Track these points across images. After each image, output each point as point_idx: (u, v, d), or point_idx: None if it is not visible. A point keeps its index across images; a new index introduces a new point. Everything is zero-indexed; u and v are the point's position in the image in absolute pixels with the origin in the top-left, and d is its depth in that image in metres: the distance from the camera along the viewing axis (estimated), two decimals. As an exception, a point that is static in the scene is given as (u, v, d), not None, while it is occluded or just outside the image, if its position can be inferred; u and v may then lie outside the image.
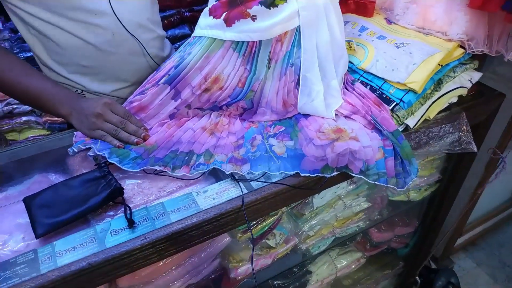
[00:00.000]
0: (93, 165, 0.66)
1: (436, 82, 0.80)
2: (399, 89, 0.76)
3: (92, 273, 0.53)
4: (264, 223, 0.84)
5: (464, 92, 0.86)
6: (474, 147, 0.85)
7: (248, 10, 0.66)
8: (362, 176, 0.68)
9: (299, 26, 0.69)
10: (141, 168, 0.65)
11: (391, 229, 1.28)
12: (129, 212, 0.58)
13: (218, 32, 0.69)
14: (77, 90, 0.84)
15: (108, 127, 0.69)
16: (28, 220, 0.56)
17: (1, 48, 0.73)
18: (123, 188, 0.61)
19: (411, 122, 0.77)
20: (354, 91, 0.79)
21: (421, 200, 1.20)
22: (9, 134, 1.46)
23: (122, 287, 0.71)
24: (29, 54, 1.29)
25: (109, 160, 0.65)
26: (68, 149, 0.69)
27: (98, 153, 0.66)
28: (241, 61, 0.71)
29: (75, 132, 0.72)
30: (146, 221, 0.58)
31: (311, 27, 0.69)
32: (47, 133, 1.46)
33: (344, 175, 0.69)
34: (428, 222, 1.28)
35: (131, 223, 0.57)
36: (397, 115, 0.75)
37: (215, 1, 0.71)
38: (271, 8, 0.66)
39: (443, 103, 0.83)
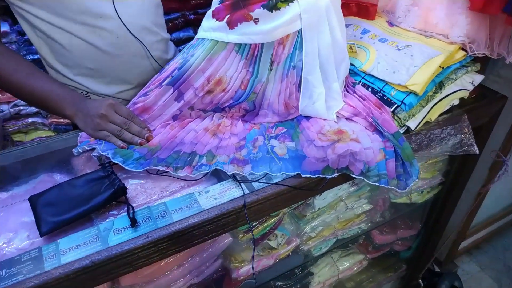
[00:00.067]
0: (97, 165, 0.67)
1: (438, 84, 0.80)
2: (400, 91, 0.76)
3: (95, 271, 0.54)
4: (266, 224, 0.84)
5: (465, 94, 0.87)
6: (476, 149, 0.86)
7: (250, 13, 0.67)
8: (362, 178, 0.68)
9: (301, 29, 0.69)
10: (144, 168, 0.66)
11: (394, 231, 1.27)
12: (132, 211, 0.59)
13: (221, 35, 0.70)
14: (82, 92, 0.85)
15: (112, 128, 0.70)
16: (33, 218, 0.57)
17: (8, 50, 0.75)
18: (126, 188, 0.62)
19: (412, 124, 0.77)
20: (355, 94, 0.79)
21: (424, 203, 1.20)
22: (16, 135, 1.49)
23: (124, 285, 0.72)
24: (35, 57, 1.32)
25: (113, 160, 0.66)
26: (73, 150, 0.70)
27: (102, 153, 0.67)
28: (243, 64, 0.72)
29: (80, 133, 0.73)
30: (149, 220, 0.59)
31: (312, 30, 0.70)
32: (53, 134, 1.48)
33: (345, 176, 0.70)
34: (431, 225, 1.28)
35: (133, 222, 0.58)
36: (398, 117, 0.76)
37: (218, 4, 0.72)
38: (274, 11, 0.67)
39: (444, 105, 0.83)
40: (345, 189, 0.95)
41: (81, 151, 0.70)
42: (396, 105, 0.76)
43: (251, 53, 0.71)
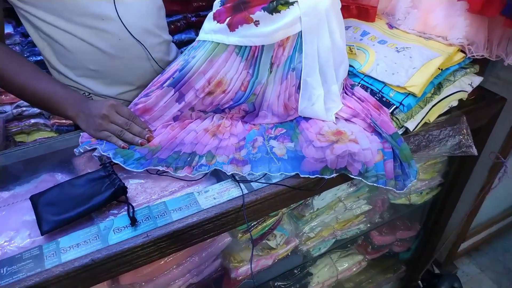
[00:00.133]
0: (98, 165, 0.68)
1: (436, 86, 0.81)
2: (399, 92, 0.77)
3: (95, 269, 0.55)
4: (265, 224, 0.85)
5: (464, 96, 0.87)
6: (474, 151, 0.86)
7: (251, 16, 0.67)
8: (360, 178, 0.69)
9: (301, 31, 0.70)
10: (145, 168, 0.67)
11: (393, 232, 1.28)
12: (132, 210, 0.60)
13: (221, 37, 0.71)
14: (84, 93, 0.86)
15: (114, 128, 0.70)
16: (35, 217, 0.58)
17: (12, 52, 0.76)
18: (127, 188, 0.63)
19: (410, 125, 0.78)
20: (353, 95, 0.80)
21: (423, 204, 1.20)
22: (18, 136, 1.49)
23: (124, 284, 0.73)
24: (39, 58, 1.33)
25: (114, 161, 0.66)
26: (75, 150, 0.70)
27: (103, 153, 0.68)
28: (243, 65, 0.73)
29: (81, 133, 0.74)
30: (148, 220, 0.60)
31: (312, 32, 0.71)
32: (55, 135, 1.48)
33: (343, 177, 0.70)
34: (430, 226, 1.28)
35: (133, 221, 0.59)
36: (397, 118, 0.76)
37: (220, 6, 0.72)
38: (274, 14, 0.67)
39: (443, 107, 0.84)
40: (344, 189, 0.96)
41: (82, 151, 0.70)
42: (395, 106, 0.76)
43: (252, 55, 0.72)
